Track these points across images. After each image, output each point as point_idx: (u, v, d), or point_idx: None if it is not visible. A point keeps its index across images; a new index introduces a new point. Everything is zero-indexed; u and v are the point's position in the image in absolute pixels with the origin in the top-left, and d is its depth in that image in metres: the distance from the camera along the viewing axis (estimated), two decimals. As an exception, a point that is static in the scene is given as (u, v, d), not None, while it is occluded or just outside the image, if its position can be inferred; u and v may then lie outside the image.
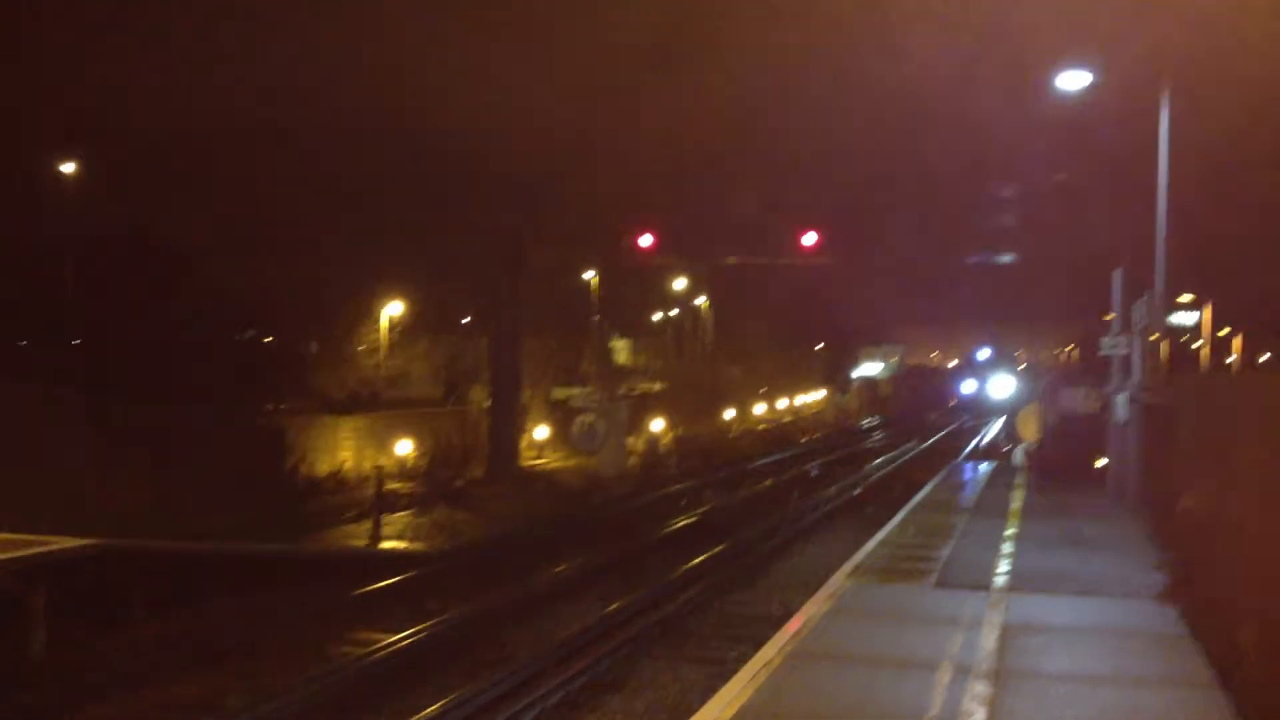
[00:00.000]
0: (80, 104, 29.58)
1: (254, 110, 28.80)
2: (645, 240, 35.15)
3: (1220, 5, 20.70)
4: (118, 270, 27.26)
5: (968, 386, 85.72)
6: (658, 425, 45.03)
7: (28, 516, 17.09)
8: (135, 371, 24.76)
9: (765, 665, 10.20)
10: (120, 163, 30.46)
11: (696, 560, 21.51)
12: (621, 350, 66.88)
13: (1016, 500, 22.97)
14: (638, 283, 57.08)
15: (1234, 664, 9.02)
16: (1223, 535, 9.73)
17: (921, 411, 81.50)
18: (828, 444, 55.44)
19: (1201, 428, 11.38)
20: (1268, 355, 67.35)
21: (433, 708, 12.48)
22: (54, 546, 15.08)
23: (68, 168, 32.99)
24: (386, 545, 22.78)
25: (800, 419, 76.15)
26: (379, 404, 37.32)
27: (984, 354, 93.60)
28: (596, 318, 54.38)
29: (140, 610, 16.45)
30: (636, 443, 43.43)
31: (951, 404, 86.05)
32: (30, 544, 14.95)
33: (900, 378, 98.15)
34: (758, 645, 12.18)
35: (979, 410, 70.24)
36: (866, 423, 77.46)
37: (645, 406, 48.56)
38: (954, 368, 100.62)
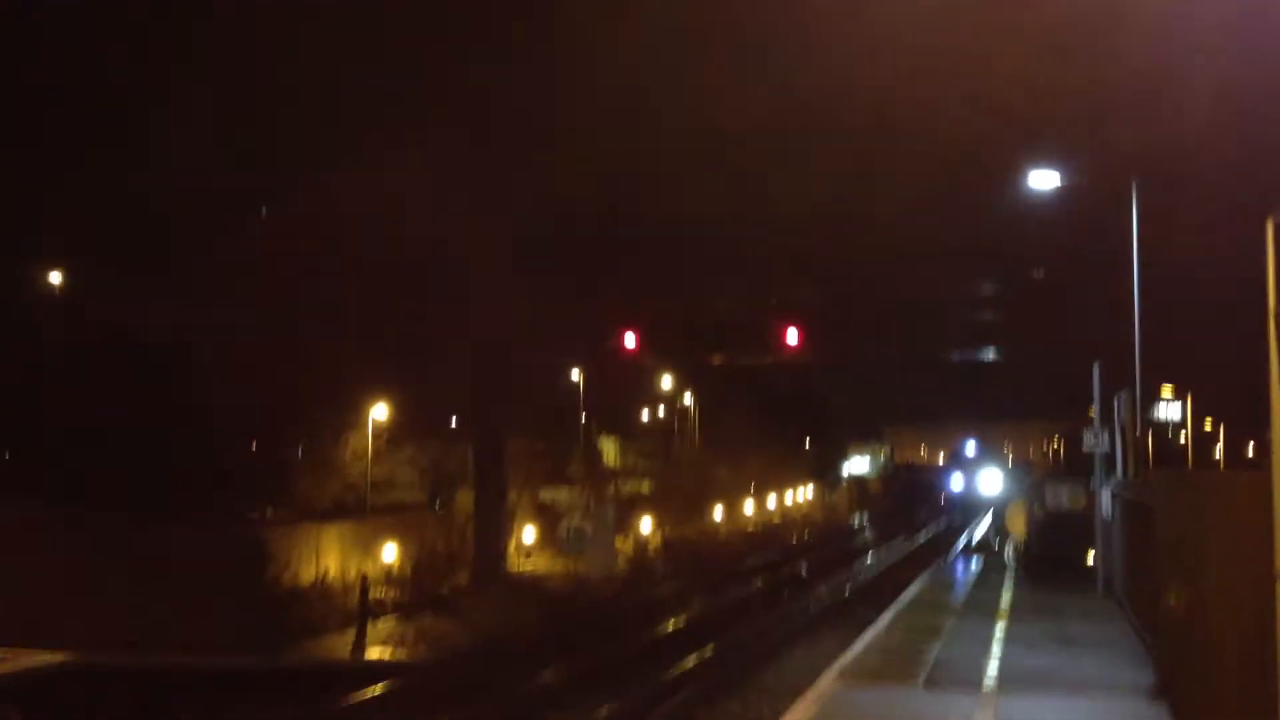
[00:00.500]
0: (69, 209, 29.81)
1: (245, 217, 29.10)
2: (629, 340, 35.27)
3: (1178, 101, 21.21)
4: (98, 381, 27.18)
5: (956, 482, 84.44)
6: (646, 526, 44.70)
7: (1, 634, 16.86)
8: (113, 482, 24.57)
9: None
10: (104, 269, 30.56)
11: (685, 666, 21.22)
12: (609, 450, 66.60)
13: (1005, 598, 22.81)
14: (625, 382, 57.12)
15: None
16: (1200, 632, 9.64)
17: (911, 508, 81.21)
18: (817, 543, 55.13)
19: (1175, 524, 11.36)
20: (1252, 445, 67.43)
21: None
22: (24, 664, 14.73)
23: (55, 278, 33.07)
24: (370, 655, 22.46)
25: (788, 518, 75.72)
26: (364, 510, 36.99)
27: (970, 448, 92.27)
28: (583, 417, 54.26)
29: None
30: (625, 544, 43.04)
31: (942, 500, 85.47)
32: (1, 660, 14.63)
33: (888, 475, 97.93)
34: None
35: (967, 507, 69.87)
36: (856, 520, 77.10)
37: (633, 507, 48.24)
38: (942, 465, 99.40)
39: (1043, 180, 21.94)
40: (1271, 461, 6.25)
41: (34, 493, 22.21)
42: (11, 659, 14.66)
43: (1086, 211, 26.02)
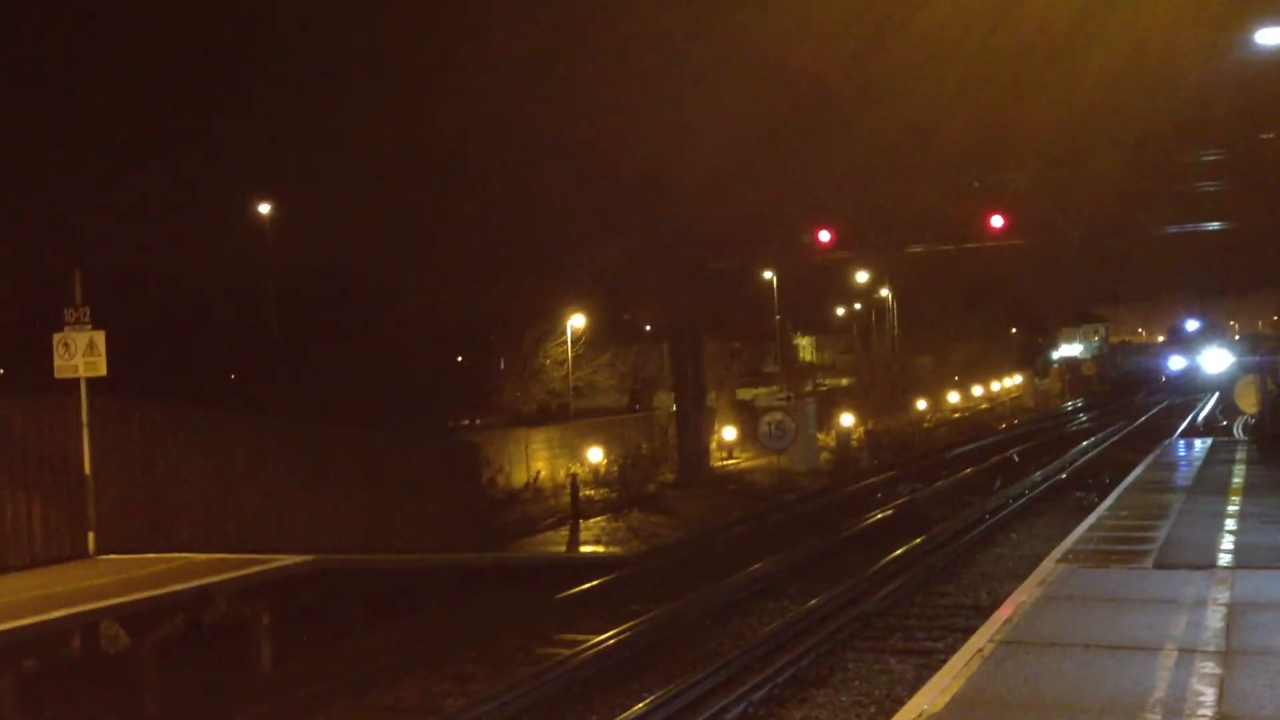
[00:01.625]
0: (279, 147, 31.14)
1: (440, 138, 29.79)
2: (824, 236, 34.75)
3: None
4: (318, 305, 28.54)
5: (1176, 363, 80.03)
6: (847, 420, 44.43)
7: (248, 539, 18.11)
8: (339, 397, 25.88)
9: (977, 654, 9.89)
10: (314, 202, 31.92)
11: (896, 553, 21.13)
12: (805, 348, 66.33)
13: (1237, 476, 21.78)
14: (818, 279, 56.51)
15: None
16: None
17: (1129, 390, 78.11)
18: (1028, 429, 53.72)
19: None
20: None
21: (640, 705, 12.57)
22: (274, 564, 15.79)
23: (264, 208, 34.65)
24: (585, 550, 23.15)
25: (997, 405, 74.03)
26: (568, 415, 37.99)
27: (1193, 325, 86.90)
28: (778, 317, 54.04)
29: (357, 622, 17.14)
30: (827, 438, 42.97)
31: (1162, 381, 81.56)
32: (252, 563, 15.70)
33: (1104, 357, 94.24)
34: (965, 635, 11.86)
35: (1190, 388, 66.27)
36: (1069, 406, 74.72)
37: (833, 402, 47.99)
38: (1161, 343, 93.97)
39: (1271, 37, 20.31)
40: None
41: (266, 410, 23.53)
42: (261, 562, 15.75)
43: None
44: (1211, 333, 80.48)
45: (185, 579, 14.64)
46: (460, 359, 36.90)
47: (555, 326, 38.80)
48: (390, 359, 28.95)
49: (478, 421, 33.78)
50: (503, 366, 37.31)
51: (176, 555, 16.64)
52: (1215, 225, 33.34)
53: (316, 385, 26.63)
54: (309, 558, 16.38)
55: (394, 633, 16.85)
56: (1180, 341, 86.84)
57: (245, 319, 30.44)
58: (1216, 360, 56.18)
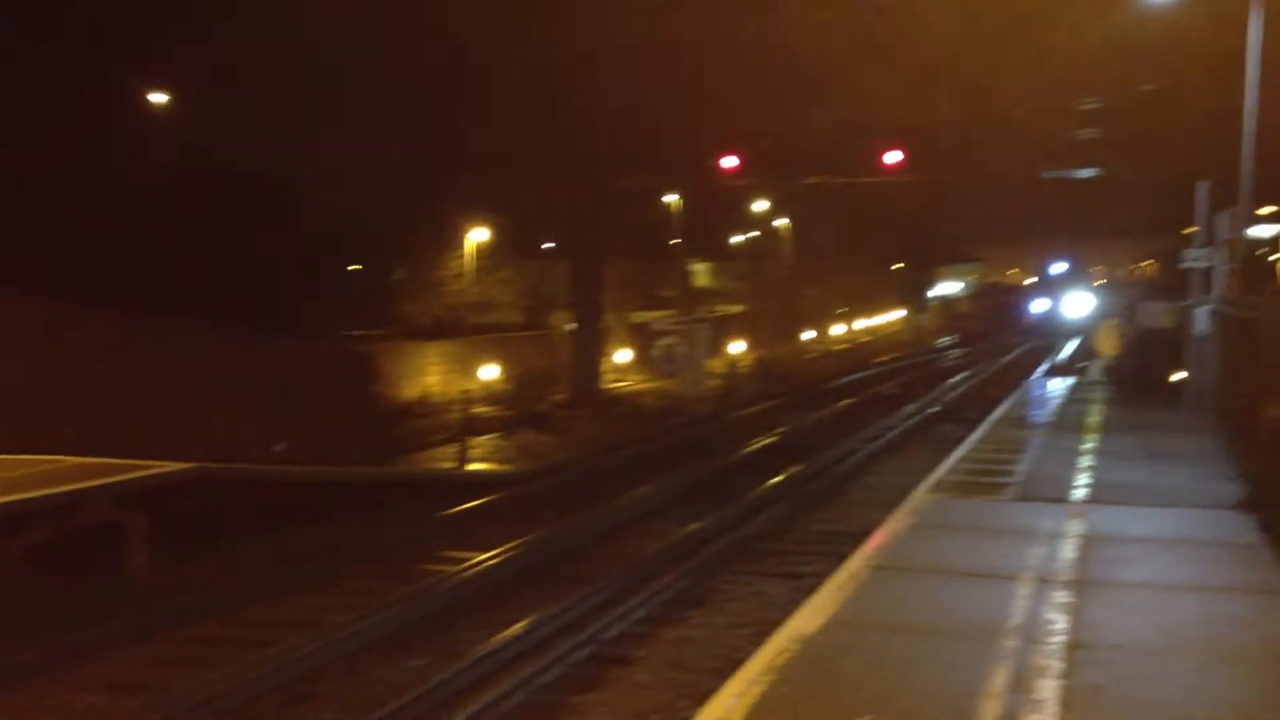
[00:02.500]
0: (166, 37, 29.97)
1: (340, 39, 29.05)
2: (729, 162, 35.06)
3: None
4: (208, 202, 27.84)
5: (1039, 305, 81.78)
6: (738, 347, 45.17)
7: (127, 442, 17.68)
8: (230, 300, 25.44)
9: (851, 577, 10.41)
10: (205, 93, 30.87)
11: (776, 480, 21.77)
12: (702, 273, 66.84)
13: (1094, 415, 22.82)
14: (718, 205, 56.81)
15: (1316, 573, 9.06)
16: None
17: (1001, 328, 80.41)
18: (906, 363, 55.15)
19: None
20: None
21: (521, 624, 12.92)
22: (153, 470, 15.28)
23: (159, 98, 33.32)
24: (474, 467, 23.36)
25: (878, 339, 75.78)
26: (464, 330, 37.93)
27: (1059, 268, 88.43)
28: (677, 241, 54.35)
29: (239, 534, 17.02)
30: (717, 364, 43.65)
31: (1029, 322, 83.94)
32: (130, 468, 15.18)
33: (978, 296, 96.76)
34: (838, 560, 12.42)
35: (1057, 328, 68.02)
36: (944, 341, 76.79)
37: (725, 328, 48.68)
38: (1030, 285, 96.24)
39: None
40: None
41: (148, 308, 22.95)
42: (140, 468, 15.29)
43: (1202, 21, 24.87)
44: (1075, 276, 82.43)
45: (55, 483, 14.07)
46: (358, 268, 36.47)
47: (455, 239, 38.54)
48: (285, 265, 28.52)
49: (372, 333, 33.59)
50: (401, 278, 37.02)
51: (47, 458, 15.93)
52: (1088, 172, 34.45)
53: (206, 290, 26.13)
54: (191, 465, 15.90)
55: (276, 546, 16.81)
56: (1046, 284, 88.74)
57: (136, 216, 29.52)
58: (1079, 304, 57.83)
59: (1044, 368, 41.92)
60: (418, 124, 31.65)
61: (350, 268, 35.15)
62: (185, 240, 27.06)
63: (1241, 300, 18.09)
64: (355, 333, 32.11)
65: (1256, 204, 21.79)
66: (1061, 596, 9.60)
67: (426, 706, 10.85)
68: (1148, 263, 73.96)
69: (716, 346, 44.78)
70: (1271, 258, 54.06)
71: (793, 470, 22.77)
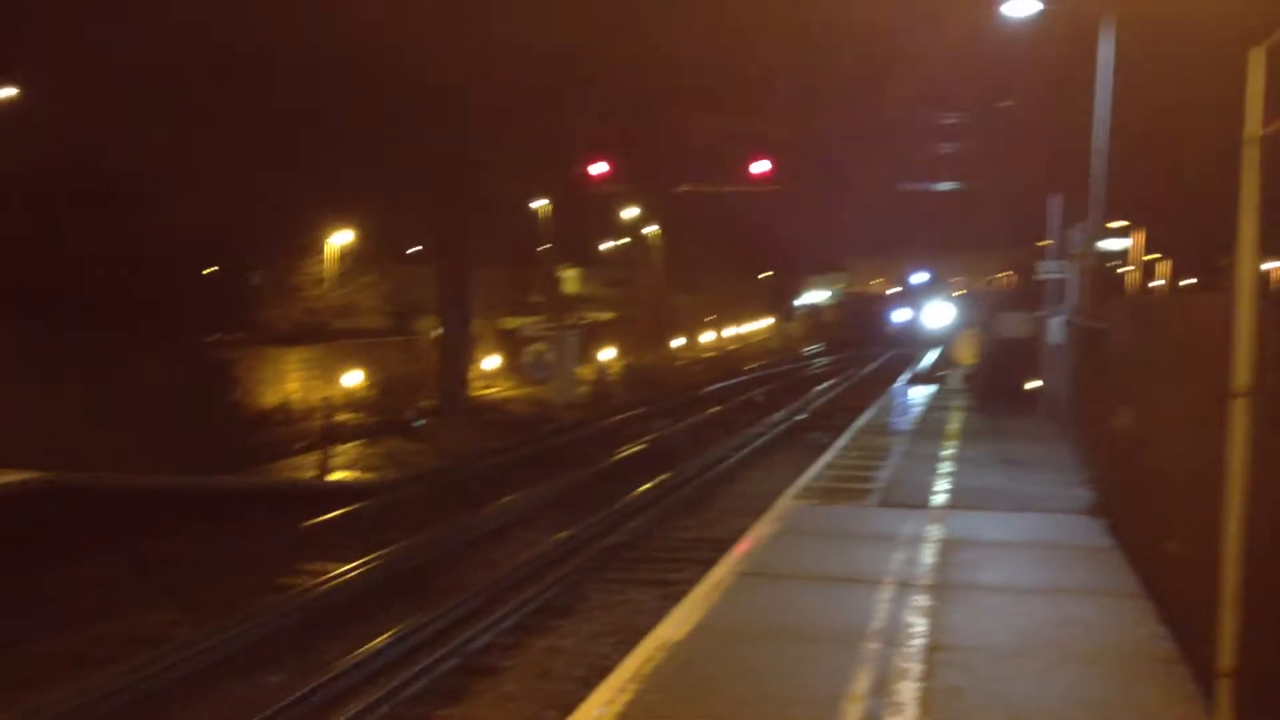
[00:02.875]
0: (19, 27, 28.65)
1: (197, 33, 28.19)
2: (599, 168, 35.09)
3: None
4: (57, 200, 26.68)
5: (901, 315, 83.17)
6: (607, 354, 45.22)
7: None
8: (74, 302, 24.42)
9: (717, 584, 10.46)
10: (57, 89, 29.56)
11: (646, 487, 21.79)
12: (572, 279, 66.77)
13: (954, 423, 23.45)
14: (588, 212, 56.86)
15: (1159, 574, 9.39)
16: (1149, 451, 10.06)
17: (865, 337, 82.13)
18: (774, 371, 55.92)
19: (1131, 346, 11.70)
20: (1193, 280, 68.58)
21: (384, 636, 12.64)
22: (-6, 481, 14.81)
23: (6, 92, 31.85)
24: (336, 477, 22.85)
25: (747, 346, 76.72)
26: (326, 335, 37.14)
27: (920, 278, 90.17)
28: (547, 247, 54.18)
29: (88, 546, 16.35)
30: (586, 371, 43.62)
31: (888, 332, 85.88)
32: None
33: (844, 305, 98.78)
34: (706, 567, 12.44)
35: (919, 337, 69.42)
36: (811, 350, 78.14)
37: (595, 335, 48.70)
38: (893, 294, 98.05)
39: (1018, 8, 21.66)
40: (1236, 282, 6.47)
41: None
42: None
43: (1058, 41, 25.81)
44: (935, 287, 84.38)
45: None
46: (213, 271, 35.39)
47: (317, 243, 37.73)
48: (137, 267, 27.48)
49: (229, 338, 32.62)
50: (259, 282, 36.07)
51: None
52: (948, 185, 35.48)
53: (51, 294, 25.05)
54: (36, 474, 15.45)
55: (127, 558, 16.22)
56: (907, 295, 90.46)
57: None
58: (939, 314, 59.30)
59: (906, 376, 42.96)
60: (276, 125, 30.89)
61: (206, 271, 34.08)
62: (31, 243, 25.90)
63: (1092, 311, 18.75)
64: (212, 338, 31.14)
65: (1108, 218, 22.63)
66: (922, 600, 9.78)
67: (282, 726, 10.53)
68: (1005, 274, 76.35)
69: (586, 353, 44.77)
70: (1122, 270, 56.35)
71: (662, 477, 22.82)
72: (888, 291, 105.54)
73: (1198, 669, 7.62)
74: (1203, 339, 7.81)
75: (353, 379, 31.98)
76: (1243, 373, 6.36)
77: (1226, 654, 6.49)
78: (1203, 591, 7.39)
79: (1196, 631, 7.66)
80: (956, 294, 73.66)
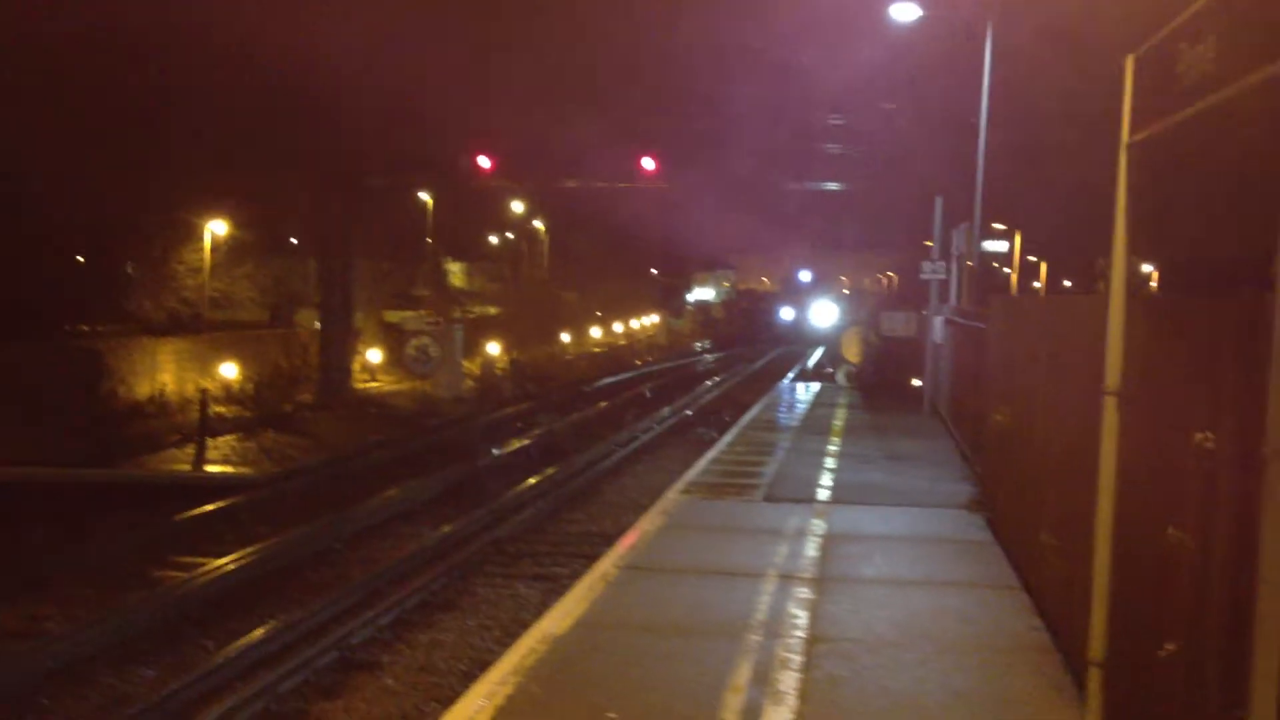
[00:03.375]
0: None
1: (70, 19, 27.23)
2: (484, 162, 34.79)
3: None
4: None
5: (787, 313, 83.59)
6: (493, 348, 44.87)
7: None
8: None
9: (601, 578, 10.41)
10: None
11: (530, 482, 21.65)
12: (457, 274, 66.16)
13: (839, 419, 23.80)
14: (474, 206, 56.42)
15: (1034, 566, 9.62)
16: (1024, 447, 10.31)
17: (752, 335, 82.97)
18: (661, 367, 56.14)
19: (1007, 345, 11.98)
20: (1069, 283, 70.91)
21: (260, 630, 12.34)
22: None
23: None
24: (212, 469, 22.25)
25: (635, 343, 76.91)
26: (202, 326, 36.15)
27: (805, 276, 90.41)
28: (430, 240, 53.59)
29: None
30: (472, 366, 43.22)
31: (775, 330, 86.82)
32: None
33: (732, 302, 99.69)
34: (591, 562, 12.41)
35: (806, 334, 70.11)
36: (699, 346, 78.65)
37: (481, 330, 48.30)
38: (780, 293, 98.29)
39: (904, 13, 22.08)
40: (1110, 283, 6.64)
41: None
42: None
43: (941, 49, 26.39)
44: (821, 286, 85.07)
45: None
46: (83, 259, 34.18)
47: (193, 232, 36.70)
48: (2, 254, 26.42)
49: (101, 328, 31.53)
50: (132, 271, 34.94)
51: None
52: (833, 185, 36.03)
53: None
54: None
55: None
56: (792, 293, 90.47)
57: None
58: (824, 313, 60.03)
59: (793, 373, 43.49)
60: (145, 109, 29.94)
61: (76, 259, 32.88)
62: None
63: (973, 311, 19.19)
64: (84, 328, 30.05)
65: (990, 220, 23.22)
66: (804, 593, 9.86)
67: (157, 719, 10.19)
68: (890, 274, 77.74)
69: (472, 348, 44.36)
70: (1005, 270, 57.87)
71: (548, 472, 22.70)
72: (775, 290, 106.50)
73: (1069, 659, 7.81)
74: (1075, 339, 8.02)
75: (230, 371, 31.19)
76: (1114, 372, 6.52)
77: (1096, 644, 6.65)
78: (1074, 584, 7.59)
79: (1068, 622, 7.86)
80: (843, 292, 74.68)
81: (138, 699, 10.59)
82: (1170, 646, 5.33)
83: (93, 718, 10.30)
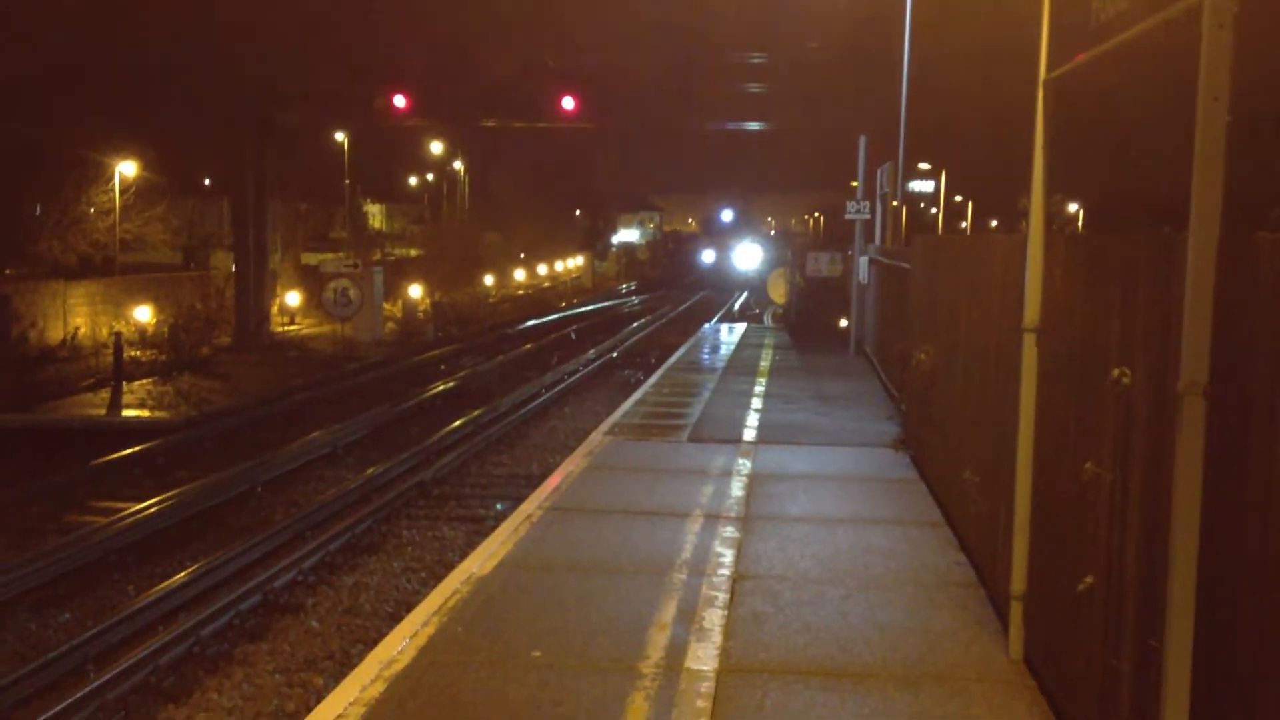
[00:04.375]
0: None
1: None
2: (399, 101, 34.12)
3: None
4: None
5: (708, 256, 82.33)
6: (415, 291, 44.36)
7: None
8: None
9: (525, 519, 10.38)
10: None
11: (455, 424, 21.50)
12: (376, 215, 65.20)
13: (765, 360, 23.93)
14: (393, 146, 55.50)
15: (957, 503, 9.77)
16: (947, 385, 10.43)
17: (677, 277, 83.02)
18: (586, 309, 56.02)
19: (929, 284, 12.08)
20: (995, 222, 71.88)
21: (182, 574, 12.15)
22: None
23: None
24: (128, 414, 21.78)
25: (559, 285, 76.59)
26: (114, 269, 35.22)
27: (728, 216, 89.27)
28: (347, 181, 52.64)
29: None
30: (393, 308, 42.73)
31: (704, 271, 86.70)
32: None
33: (657, 244, 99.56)
34: (517, 503, 12.37)
35: (731, 275, 69.64)
36: (625, 288, 78.59)
37: (402, 272, 47.71)
38: (705, 234, 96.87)
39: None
40: (1028, 223, 6.68)
41: None
42: None
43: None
44: (746, 227, 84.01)
45: None
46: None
47: (102, 173, 35.61)
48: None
49: (8, 271, 30.58)
50: (39, 213, 33.85)
51: None
52: (756, 125, 35.96)
53: None
54: None
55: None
56: (714, 234, 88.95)
57: None
58: (748, 256, 59.77)
59: (718, 315, 43.62)
60: (52, 49, 28.90)
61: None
62: None
63: (897, 250, 19.33)
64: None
65: (915, 160, 23.33)
66: (730, 532, 9.93)
67: (74, 663, 10.02)
68: (815, 214, 77.84)
69: (393, 291, 43.84)
70: (933, 210, 58.39)
71: (473, 414, 22.56)
72: (700, 232, 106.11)
73: (992, 593, 7.96)
74: (993, 277, 8.09)
75: (144, 315, 30.49)
76: (1032, 309, 6.59)
77: (1018, 578, 6.78)
78: (996, 519, 7.72)
79: (991, 558, 8.00)
80: (768, 233, 74.41)
81: (52, 645, 10.40)
82: (1089, 580, 5.44)
83: (10, 662, 10.07)
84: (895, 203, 22.70)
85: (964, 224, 70.25)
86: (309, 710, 7.05)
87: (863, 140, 24.35)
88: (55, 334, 28.51)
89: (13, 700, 9.28)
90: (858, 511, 10.86)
